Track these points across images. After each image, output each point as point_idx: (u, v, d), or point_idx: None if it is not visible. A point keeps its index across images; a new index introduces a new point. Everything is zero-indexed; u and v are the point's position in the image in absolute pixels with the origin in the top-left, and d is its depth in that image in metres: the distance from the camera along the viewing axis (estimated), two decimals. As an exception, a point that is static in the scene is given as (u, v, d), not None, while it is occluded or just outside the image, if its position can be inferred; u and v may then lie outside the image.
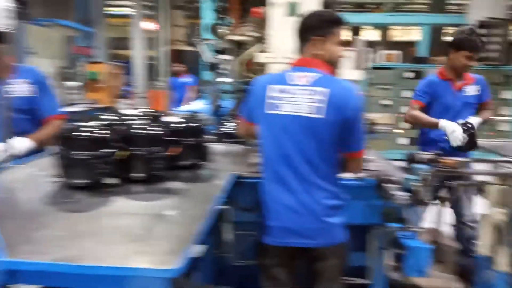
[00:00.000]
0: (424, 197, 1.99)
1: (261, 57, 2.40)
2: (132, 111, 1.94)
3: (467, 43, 2.96)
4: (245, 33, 2.62)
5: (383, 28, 18.51)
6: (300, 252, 1.76)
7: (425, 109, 3.11)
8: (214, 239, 2.11)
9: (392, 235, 2.12)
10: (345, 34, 1.79)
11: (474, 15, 6.88)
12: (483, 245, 2.73)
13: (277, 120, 1.68)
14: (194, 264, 1.94)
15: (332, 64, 1.76)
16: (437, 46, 11.79)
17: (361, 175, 1.94)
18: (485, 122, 3.15)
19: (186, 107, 5.51)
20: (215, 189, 1.63)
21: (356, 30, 17.23)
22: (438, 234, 3.96)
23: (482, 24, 6.53)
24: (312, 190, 1.67)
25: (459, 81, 3.07)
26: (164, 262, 0.99)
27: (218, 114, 3.05)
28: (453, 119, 2.98)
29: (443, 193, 3.15)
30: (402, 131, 7.15)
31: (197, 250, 1.17)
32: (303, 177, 1.67)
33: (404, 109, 7.16)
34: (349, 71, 2.49)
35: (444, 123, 2.84)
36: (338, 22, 1.75)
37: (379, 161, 2.29)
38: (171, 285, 0.98)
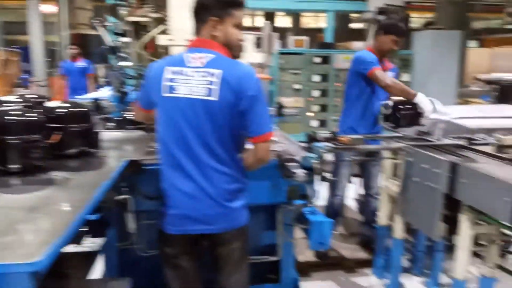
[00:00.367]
0: (324, 173, 2.08)
1: (162, 39, 2.30)
2: (11, 97, 1.74)
3: (395, 28, 3.11)
4: (145, 15, 2.49)
5: (296, 15, 19.09)
6: (202, 238, 1.73)
7: (354, 83, 3.15)
8: (117, 230, 2.02)
9: (297, 212, 2.20)
10: (243, 16, 1.76)
11: (375, 2, 7.33)
12: (382, 215, 2.96)
13: (173, 103, 1.62)
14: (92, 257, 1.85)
15: (230, 47, 1.71)
16: (345, 32, 12.44)
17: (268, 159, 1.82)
18: None
19: (90, 95, 5.17)
20: (103, 178, 1.51)
21: (270, 16, 17.57)
22: (343, 207, 4.21)
23: (381, 11, 6.98)
24: (210, 175, 1.64)
25: (382, 64, 3.26)
26: (27, 256, 0.91)
27: (123, 99, 2.89)
28: (376, 97, 3.13)
29: (351, 168, 3.35)
30: (313, 114, 7.47)
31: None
32: (200, 162, 1.63)
33: (315, 92, 7.53)
34: (253, 54, 2.47)
35: (421, 98, 2.73)
36: (236, 4, 1.69)
37: (282, 141, 2.34)
38: (33, 279, 0.90)
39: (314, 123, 7.50)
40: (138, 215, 2.03)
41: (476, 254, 2.31)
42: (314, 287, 3.00)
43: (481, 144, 2.60)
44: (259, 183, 2.16)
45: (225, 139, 1.65)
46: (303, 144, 2.37)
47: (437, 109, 2.70)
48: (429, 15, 18.54)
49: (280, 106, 3.47)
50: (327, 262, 3.21)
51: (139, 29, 2.72)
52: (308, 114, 7.46)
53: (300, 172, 1.85)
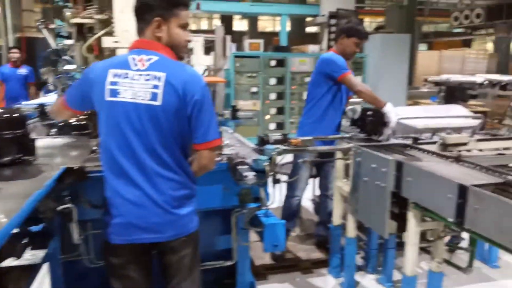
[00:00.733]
0: (275, 175, 2.08)
1: (107, 41, 2.22)
2: None
3: (357, 31, 3.16)
4: (90, 16, 2.40)
5: (253, 18, 19.20)
6: (149, 247, 1.68)
7: (319, 84, 3.16)
8: (61, 241, 1.92)
9: (251, 215, 2.19)
10: (188, 17, 1.72)
11: (327, 7, 7.49)
12: (335, 215, 3.01)
13: (117, 108, 1.55)
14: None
15: (174, 48, 1.65)
16: (300, 36, 12.64)
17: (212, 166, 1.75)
18: None
19: (36, 101, 4.92)
20: (36, 187, 1.43)
21: (228, 20, 17.56)
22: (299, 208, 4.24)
23: (332, 15, 7.14)
24: (156, 181, 1.58)
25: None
26: None
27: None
28: (341, 99, 3.18)
29: (310, 170, 3.37)
30: (269, 117, 7.53)
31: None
32: (146, 168, 1.57)
33: (272, 95, 7.59)
34: (202, 57, 2.44)
35: (390, 108, 2.80)
36: (181, 3, 1.64)
37: (234, 144, 2.33)
38: None
39: (272, 126, 7.56)
40: (84, 225, 1.95)
41: (425, 250, 2.40)
42: (271, 289, 3.00)
43: (426, 143, 2.70)
44: (211, 187, 2.14)
45: (171, 145, 1.60)
46: (255, 147, 2.36)
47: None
48: (380, 20, 19.25)
49: (235, 109, 3.46)
50: (283, 264, 3.22)
51: (84, 31, 2.62)
52: (266, 117, 7.51)
53: (250, 175, 1.84)
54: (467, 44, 21.42)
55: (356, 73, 7.57)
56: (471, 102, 8.13)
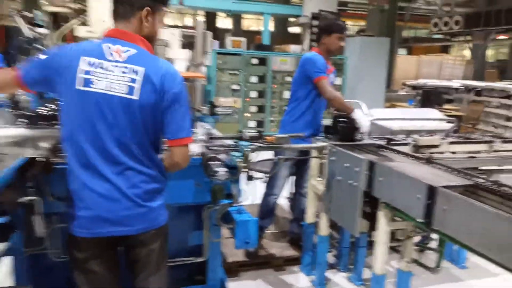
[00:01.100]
0: (249, 172, 2.07)
1: (81, 31, 2.17)
2: None
3: (336, 26, 3.19)
4: (64, 5, 2.33)
5: (237, 16, 19.17)
6: (116, 241, 1.64)
7: (302, 84, 3.16)
8: (24, 234, 1.86)
9: (223, 212, 2.18)
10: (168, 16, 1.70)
11: (309, 7, 7.53)
12: (309, 213, 3.02)
13: (90, 98, 1.50)
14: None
15: (153, 41, 1.64)
16: (283, 35, 12.71)
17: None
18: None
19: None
20: None
21: (212, 18, 17.47)
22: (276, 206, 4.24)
23: (314, 16, 7.18)
24: (127, 175, 1.55)
25: (328, 64, 3.28)
26: None
27: (41, 94, 2.69)
28: (322, 98, 3.18)
29: (290, 168, 3.37)
30: (250, 115, 7.53)
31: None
32: (116, 162, 1.53)
33: (253, 93, 7.58)
34: (177, 51, 2.41)
35: (357, 114, 2.83)
36: (167, 1, 1.65)
37: (208, 140, 2.30)
38: None
39: (252, 124, 7.57)
40: (49, 218, 1.90)
41: (395, 250, 2.43)
42: (243, 286, 2.99)
43: (399, 144, 2.73)
44: (183, 182, 2.11)
45: (144, 139, 1.57)
46: (230, 143, 2.34)
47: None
48: (362, 23, 19.49)
49: (213, 105, 3.43)
50: (256, 261, 3.21)
51: (59, 20, 2.55)
52: (246, 114, 7.51)
53: (221, 171, 1.82)
54: (445, 50, 21.94)
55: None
56: (447, 106, 8.36)
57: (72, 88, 1.51)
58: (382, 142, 2.75)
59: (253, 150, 2.06)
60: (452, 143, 2.93)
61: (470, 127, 7.96)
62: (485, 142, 3.02)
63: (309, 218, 2.99)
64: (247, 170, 2.09)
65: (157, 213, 1.66)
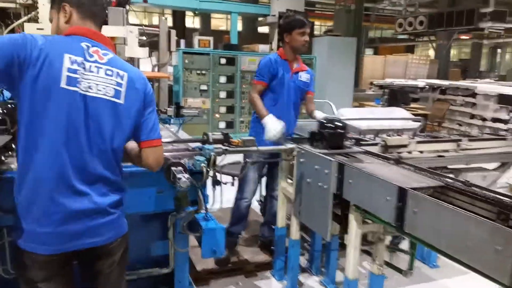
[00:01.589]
0: (215, 176, 1.97)
1: (30, 28, 2.01)
2: None
3: (296, 21, 3.09)
4: (13, 0, 2.16)
5: (205, 16, 18.94)
6: (81, 255, 1.51)
7: (267, 88, 3.12)
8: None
9: (189, 219, 2.06)
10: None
11: (277, 7, 7.49)
12: (280, 217, 2.95)
13: (71, 98, 1.37)
14: None
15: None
16: (252, 35, 12.64)
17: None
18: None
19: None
20: None
21: (181, 17, 17.17)
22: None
23: (281, 16, 7.14)
24: (99, 182, 1.46)
25: (295, 64, 3.21)
26: None
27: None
28: (287, 98, 3.12)
29: (261, 171, 3.28)
30: (219, 116, 7.41)
31: None
32: (88, 168, 1.43)
33: (222, 94, 7.47)
34: (135, 49, 2.29)
35: (267, 120, 2.80)
36: None
37: (172, 144, 2.19)
38: None
39: (222, 125, 7.45)
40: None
41: (367, 252, 2.39)
42: (213, 295, 2.89)
43: (369, 144, 2.70)
44: (144, 189, 1.99)
45: (120, 144, 1.51)
46: (196, 146, 2.23)
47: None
48: (330, 24, 19.74)
49: (179, 106, 3.31)
50: (227, 268, 3.11)
51: (5, 16, 2.37)
52: (216, 115, 7.39)
53: (184, 177, 1.71)
54: (410, 50, 22.53)
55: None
56: (413, 105, 8.52)
57: (53, 85, 1.35)
58: (351, 143, 2.71)
59: (219, 154, 1.96)
60: (420, 142, 2.93)
61: (436, 125, 8.14)
62: (453, 141, 3.04)
63: (280, 221, 2.91)
64: (213, 174, 1.99)
65: (122, 220, 1.58)
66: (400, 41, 21.93)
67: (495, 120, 7.68)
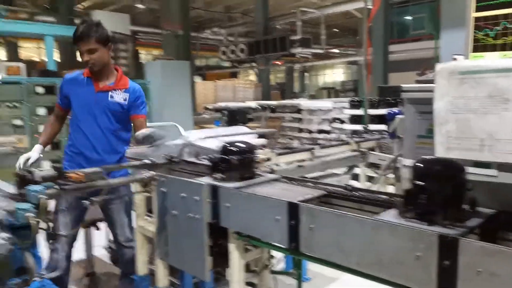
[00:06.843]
0: (49, 227, 1.41)
1: None
2: None
3: (73, 37, 2.56)
4: None
5: (12, 45, 16.38)
6: None
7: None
8: None
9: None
10: None
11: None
12: (140, 262, 2.43)
13: None
14: None
15: None
16: (72, 59, 11.38)
17: None
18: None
19: None
20: None
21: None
22: (91, 263, 3.47)
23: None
24: None
25: (103, 81, 2.68)
26: None
27: None
28: (93, 120, 2.67)
29: (79, 213, 2.66)
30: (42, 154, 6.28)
31: None
32: None
33: (41, 128, 6.36)
34: None
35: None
36: None
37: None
38: None
39: (46, 165, 6.31)
40: None
41: (250, 284, 2.09)
42: None
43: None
44: None
45: None
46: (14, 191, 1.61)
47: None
48: (155, 52, 19.67)
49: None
50: None
51: None
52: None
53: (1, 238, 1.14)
54: (234, 75, 24.14)
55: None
56: (250, 124, 8.86)
57: None
58: (208, 163, 2.41)
59: (52, 196, 1.41)
60: (280, 154, 2.84)
61: (274, 140, 8.58)
62: (307, 150, 3.05)
63: (141, 268, 2.40)
64: (46, 226, 1.42)
65: None
66: (224, 68, 23.32)
67: (320, 131, 8.49)
